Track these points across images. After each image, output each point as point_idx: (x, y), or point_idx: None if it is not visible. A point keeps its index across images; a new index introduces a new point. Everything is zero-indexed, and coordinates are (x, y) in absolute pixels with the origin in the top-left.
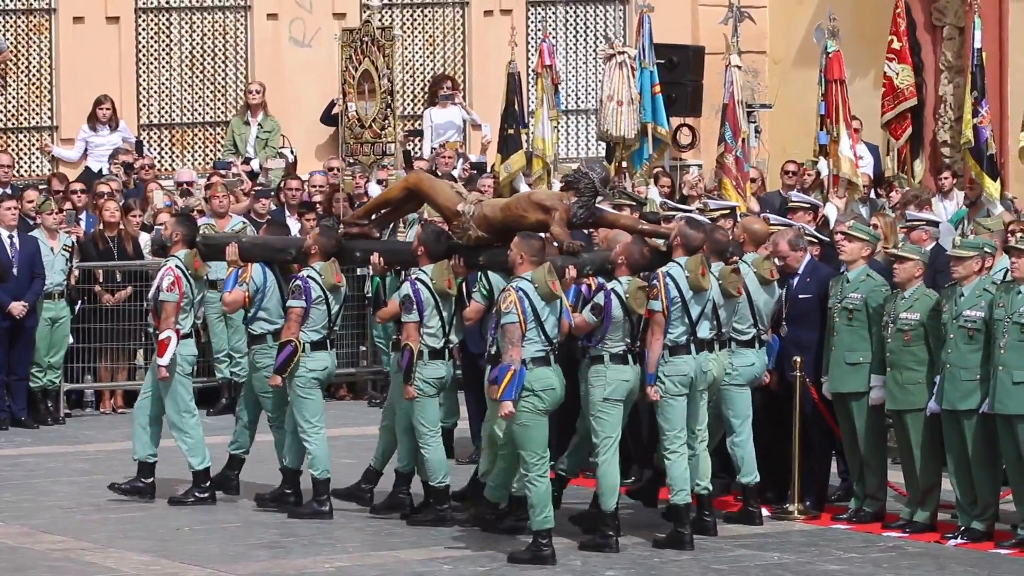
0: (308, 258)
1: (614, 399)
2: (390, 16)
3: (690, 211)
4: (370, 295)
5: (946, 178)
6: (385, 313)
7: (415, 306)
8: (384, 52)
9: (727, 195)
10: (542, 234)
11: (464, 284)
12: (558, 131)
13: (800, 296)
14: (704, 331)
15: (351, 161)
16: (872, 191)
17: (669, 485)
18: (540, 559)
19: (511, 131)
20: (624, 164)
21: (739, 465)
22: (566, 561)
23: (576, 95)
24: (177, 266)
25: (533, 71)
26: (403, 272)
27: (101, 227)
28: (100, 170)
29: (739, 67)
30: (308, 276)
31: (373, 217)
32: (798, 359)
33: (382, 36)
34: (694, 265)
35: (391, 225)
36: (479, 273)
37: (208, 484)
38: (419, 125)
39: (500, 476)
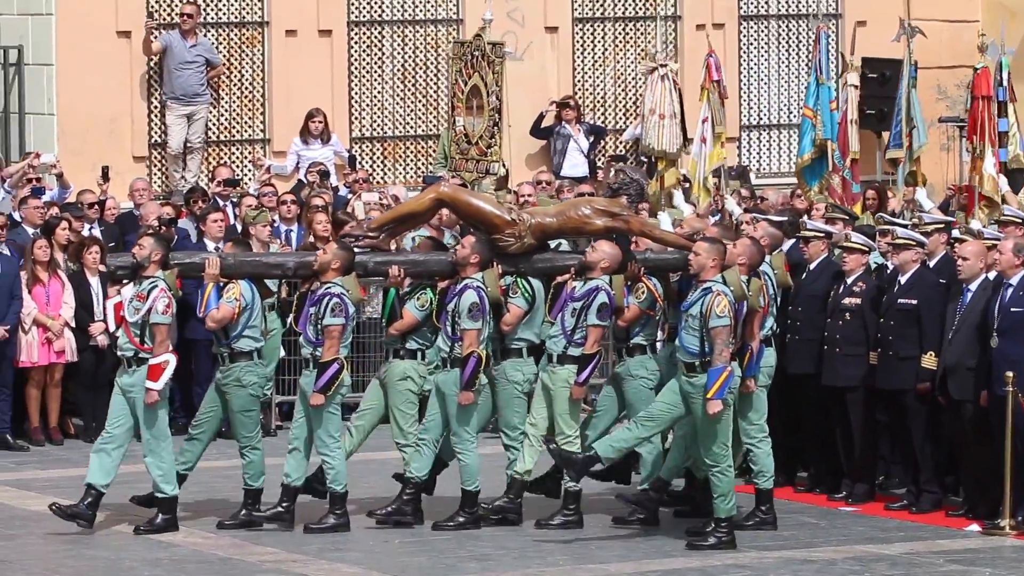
0: (325, 273)
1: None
2: (603, 28)
3: (904, 225)
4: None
5: None
6: (401, 325)
7: (482, 313)
8: (494, 68)
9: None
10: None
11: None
12: (729, 147)
13: (1012, 309)
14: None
15: (452, 175)
16: None
17: (758, 472)
18: (723, 544)
19: None
20: (664, 179)
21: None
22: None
23: (779, 109)
24: (165, 287)
25: (700, 86)
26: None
27: (311, 240)
28: (312, 183)
29: (855, 87)
30: (341, 293)
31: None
32: (1010, 374)
33: (492, 52)
34: (779, 263)
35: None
36: (517, 278)
37: (176, 510)
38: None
39: (622, 442)
